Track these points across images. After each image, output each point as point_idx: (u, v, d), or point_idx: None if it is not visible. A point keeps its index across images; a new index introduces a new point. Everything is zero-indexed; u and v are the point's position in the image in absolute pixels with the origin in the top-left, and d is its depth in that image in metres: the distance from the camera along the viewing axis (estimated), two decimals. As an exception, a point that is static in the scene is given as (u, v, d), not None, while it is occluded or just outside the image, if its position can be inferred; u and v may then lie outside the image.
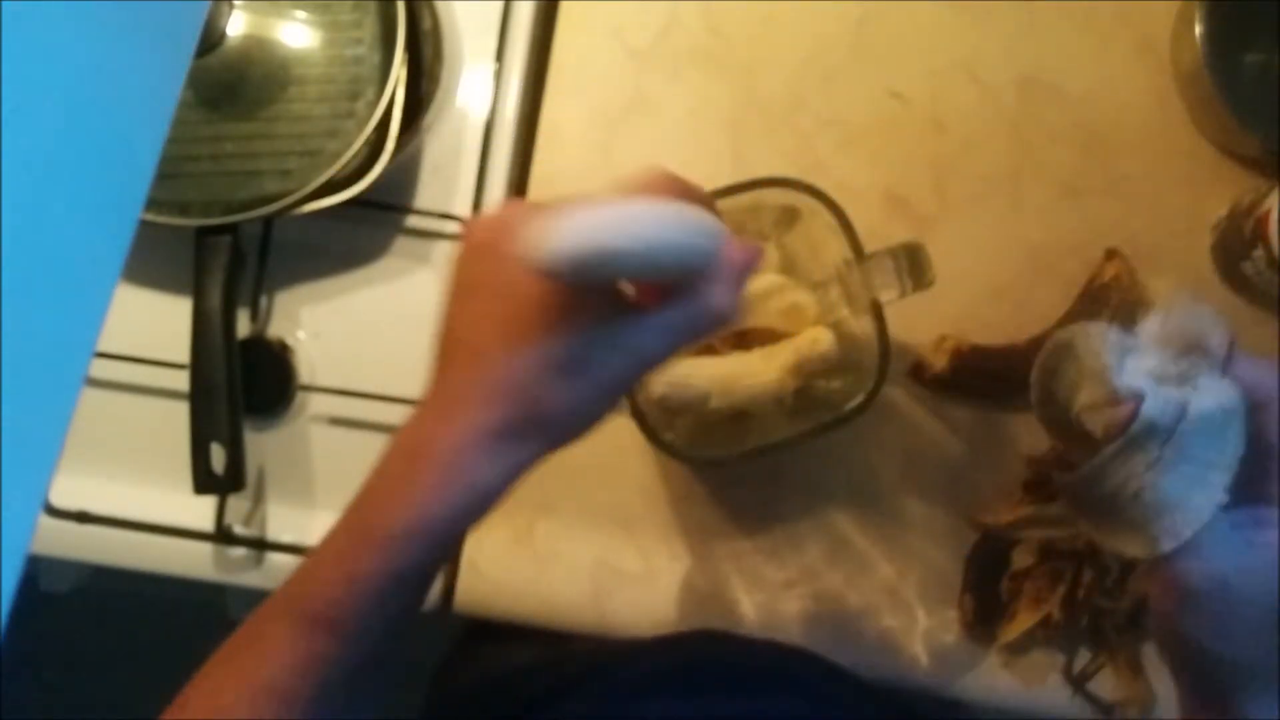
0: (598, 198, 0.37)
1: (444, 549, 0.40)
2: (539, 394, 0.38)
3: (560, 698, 0.55)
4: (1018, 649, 0.64)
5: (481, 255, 0.40)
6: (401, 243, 0.67)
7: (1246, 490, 0.41)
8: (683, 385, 0.56)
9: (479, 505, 0.39)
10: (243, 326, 0.64)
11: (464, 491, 0.38)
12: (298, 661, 0.39)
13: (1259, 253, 0.61)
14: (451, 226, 0.66)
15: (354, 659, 0.39)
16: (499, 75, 0.68)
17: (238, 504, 0.65)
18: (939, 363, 0.64)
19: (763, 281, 0.57)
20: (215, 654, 0.41)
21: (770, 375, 0.56)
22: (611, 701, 0.52)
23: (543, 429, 0.39)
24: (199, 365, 0.61)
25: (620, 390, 0.41)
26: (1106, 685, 0.63)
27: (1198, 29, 0.64)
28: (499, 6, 0.68)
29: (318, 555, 0.40)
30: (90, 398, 0.65)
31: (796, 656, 0.61)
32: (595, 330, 0.38)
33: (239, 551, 0.64)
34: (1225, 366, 0.42)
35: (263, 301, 0.66)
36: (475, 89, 0.68)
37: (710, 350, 0.58)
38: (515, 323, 0.38)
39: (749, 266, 0.41)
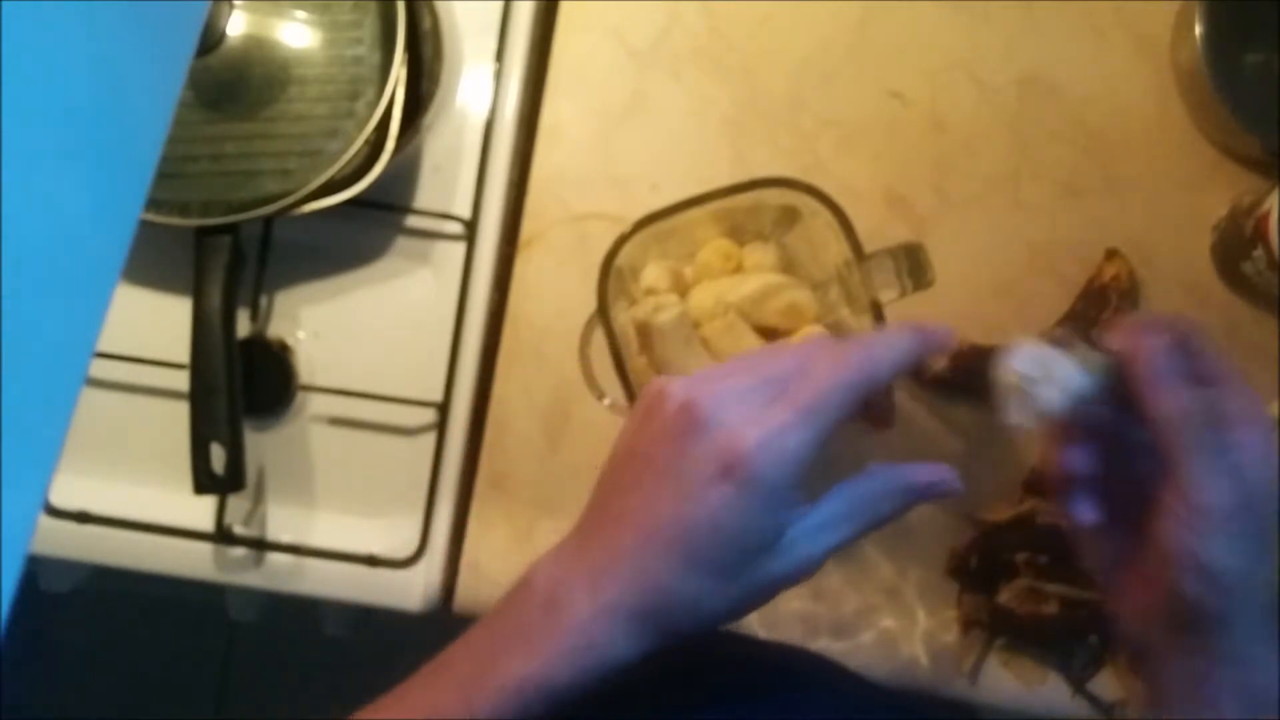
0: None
1: (555, 710, 0.38)
2: (695, 593, 0.38)
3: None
4: (1018, 649, 0.64)
5: (685, 432, 0.39)
6: (401, 243, 0.67)
7: None
8: None
9: (606, 677, 0.38)
10: (243, 326, 0.64)
11: (595, 662, 0.37)
12: None
13: (1259, 253, 0.61)
14: (451, 226, 0.66)
15: None
16: (499, 75, 0.68)
17: (238, 504, 0.65)
18: (939, 363, 0.64)
19: (762, 281, 0.56)
20: None
21: None
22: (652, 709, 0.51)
23: (689, 620, 0.39)
24: (199, 365, 0.60)
25: (773, 592, 0.40)
26: (1106, 685, 0.63)
27: (1198, 29, 0.64)
28: (499, 6, 0.68)
29: (433, 678, 0.39)
30: (90, 398, 0.65)
31: (809, 659, 0.60)
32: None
33: (239, 551, 0.64)
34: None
35: (263, 301, 0.66)
36: (475, 89, 0.68)
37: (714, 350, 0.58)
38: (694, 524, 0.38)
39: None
